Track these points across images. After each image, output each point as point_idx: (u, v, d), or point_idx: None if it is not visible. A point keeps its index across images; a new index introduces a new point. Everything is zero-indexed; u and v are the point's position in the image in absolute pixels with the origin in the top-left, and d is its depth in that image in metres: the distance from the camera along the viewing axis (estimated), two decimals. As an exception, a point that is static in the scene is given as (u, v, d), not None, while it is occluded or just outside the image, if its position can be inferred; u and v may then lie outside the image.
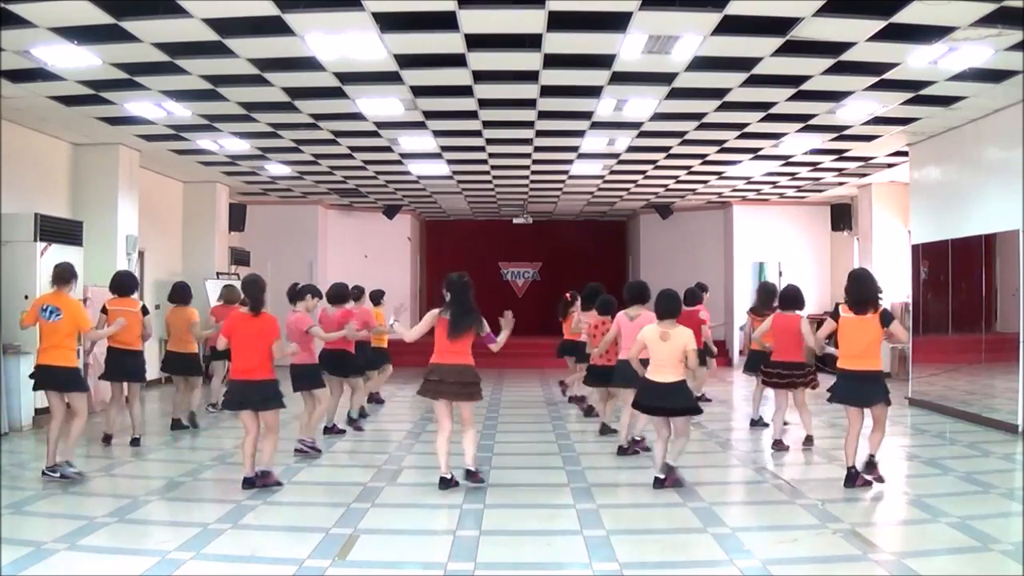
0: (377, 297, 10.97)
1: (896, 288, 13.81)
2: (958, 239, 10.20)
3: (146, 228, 12.35)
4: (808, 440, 7.97)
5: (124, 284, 8.14)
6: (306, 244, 17.24)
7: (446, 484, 6.24)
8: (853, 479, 6.30)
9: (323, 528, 5.25)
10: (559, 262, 22.00)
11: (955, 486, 6.49)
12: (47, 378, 6.64)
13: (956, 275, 10.35)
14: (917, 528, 5.46)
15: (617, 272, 21.13)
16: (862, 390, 6.32)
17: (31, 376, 6.84)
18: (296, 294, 7.95)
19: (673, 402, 6.19)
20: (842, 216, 16.20)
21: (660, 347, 6.24)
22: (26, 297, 8.88)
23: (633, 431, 7.71)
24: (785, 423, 8.10)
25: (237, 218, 15.74)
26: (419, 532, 5.38)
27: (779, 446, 7.87)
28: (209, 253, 14.68)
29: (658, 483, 6.25)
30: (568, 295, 11.62)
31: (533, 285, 23.21)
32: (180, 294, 9.25)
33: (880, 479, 6.33)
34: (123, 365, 8.01)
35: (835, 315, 6.52)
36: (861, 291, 6.40)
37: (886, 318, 6.32)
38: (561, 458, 7.56)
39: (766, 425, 8.89)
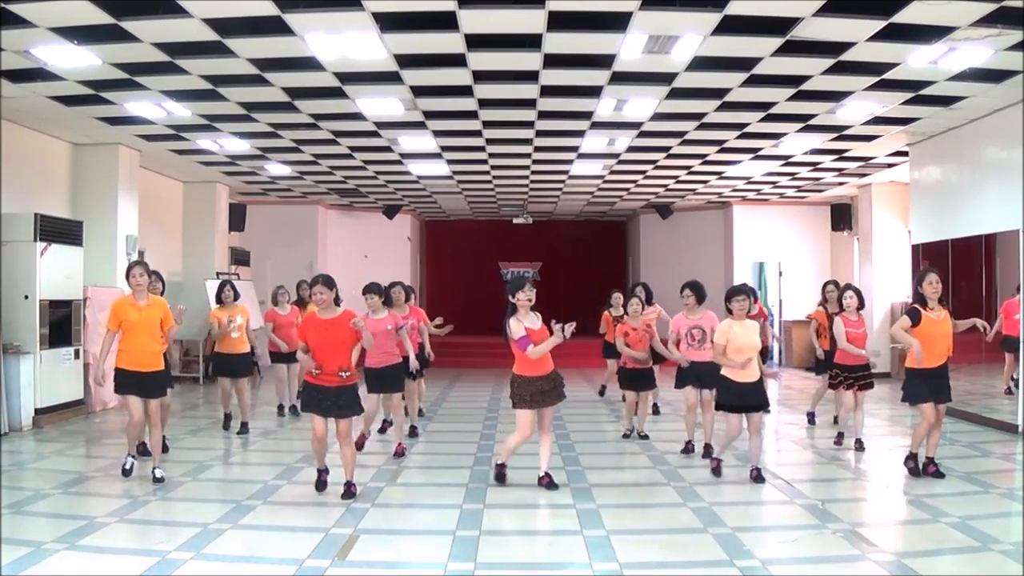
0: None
1: (896, 288, 13.84)
2: (958, 239, 10.20)
3: (146, 228, 12.35)
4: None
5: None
6: (306, 244, 17.25)
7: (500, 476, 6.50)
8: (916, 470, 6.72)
9: (323, 528, 5.26)
10: (559, 262, 22.00)
11: (955, 486, 6.48)
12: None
13: (956, 275, 10.35)
14: (917, 528, 5.46)
15: (617, 272, 21.14)
16: (945, 385, 6.67)
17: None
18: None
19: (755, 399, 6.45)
20: (842, 216, 16.21)
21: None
22: (26, 297, 8.90)
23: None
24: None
25: (237, 218, 15.75)
26: (419, 532, 5.38)
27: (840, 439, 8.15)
28: (209, 253, 14.68)
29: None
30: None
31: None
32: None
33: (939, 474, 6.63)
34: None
35: (914, 317, 6.51)
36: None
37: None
38: (561, 458, 7.55)
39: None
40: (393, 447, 7.67)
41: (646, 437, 8.44)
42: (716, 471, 6.73)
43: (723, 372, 6.45)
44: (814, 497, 6.07)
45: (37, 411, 8.95)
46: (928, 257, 11.02)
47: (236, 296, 8.84)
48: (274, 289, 10.16)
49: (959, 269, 10.27)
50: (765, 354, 9.73)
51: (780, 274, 17.07)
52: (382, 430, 8.70)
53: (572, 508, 5.81)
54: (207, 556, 4.69)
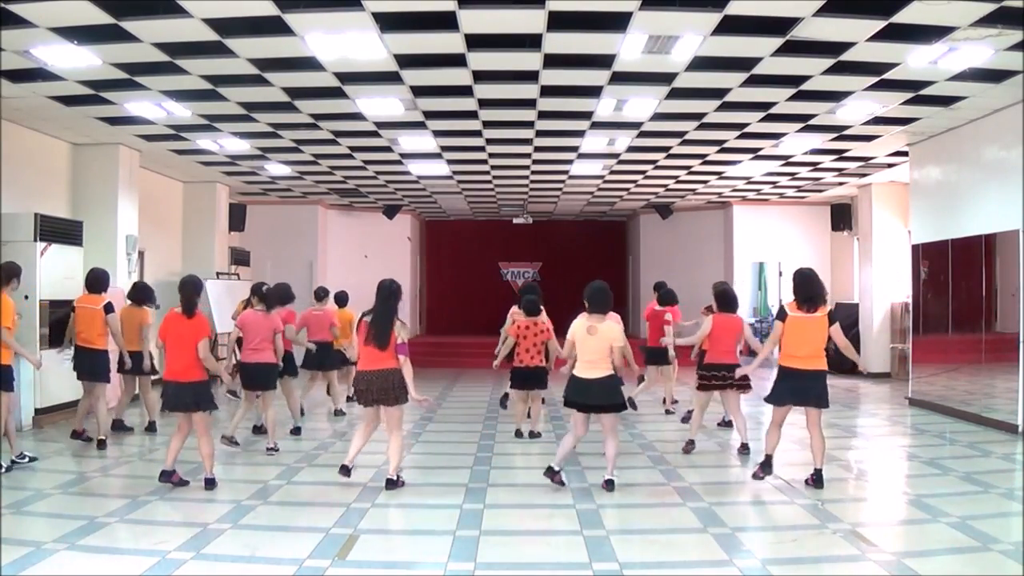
0: (342, 299, 10.84)
1: (896, 288, 13.84)
2: (958, 239, 10.20)
3: (146, 228, 12.35)
4: (744, 448, 7.75)
5: (95, 280, 8.23)
6: (306, 244, 17.25)
7: (346, 471, 6.38)
8: (769, 467, 6.49)
9: (323, 528, 5.26)
10: (559, 262, 22.01)
11: (955, 486, 6.49)
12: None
13: (956, 275, 10.35)
14: (917, 528, 5.46)
15: (617, 272, 21.15)
16: (809, 389, 6.25)
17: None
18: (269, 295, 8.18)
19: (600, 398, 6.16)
20: (842, 216, 16.20)
21: (588, 341, 6.17)
22: (26, 297, 8.89)
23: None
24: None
25: (237, 218, 15.74)
26: (419, 532, 5.39)
27: (744, 450, 7.76)
28: (209, 253, 14.67)
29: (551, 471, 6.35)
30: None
31: (526, 284, 23.20)
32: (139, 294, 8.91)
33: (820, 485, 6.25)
34: (83, 363, 8.07)
35: (781, 316, 6.39)
36: (811, 289, 6.31)
37: (832, 317, 6.31)
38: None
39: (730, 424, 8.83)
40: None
41: (538, 435, 8.49)
42: (553, 478, 6.37)
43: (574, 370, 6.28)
44: (814, 497, 6.06)
45: (37, 411, 8.95)
46: (928, 257, 11.03)
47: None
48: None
49: (959, 269, 10.27)
50: (660, 355, 9.73)
51: (780, 274, 17.06)
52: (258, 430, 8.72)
53: (572, 508, 5.81)
54: (207, 556, 4.69)
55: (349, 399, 10.20)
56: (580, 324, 6.22)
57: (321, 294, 10.31)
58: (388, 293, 6.39)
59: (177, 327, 6.35)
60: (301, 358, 9.58)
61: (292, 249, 16.91)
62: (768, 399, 6.57)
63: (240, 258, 15.80)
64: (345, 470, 6.39)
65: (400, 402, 6.31)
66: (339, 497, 6.06)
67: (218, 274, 14.43)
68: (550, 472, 6.35)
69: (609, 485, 6.20)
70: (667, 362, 9.89)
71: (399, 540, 5.21)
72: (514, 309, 9.47)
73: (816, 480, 6.28)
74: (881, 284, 14.14)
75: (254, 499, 6.00)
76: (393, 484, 6.31)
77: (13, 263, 7.34)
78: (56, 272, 9.36)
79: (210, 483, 6.30)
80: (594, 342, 6.13)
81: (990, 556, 4.73)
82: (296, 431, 8.80)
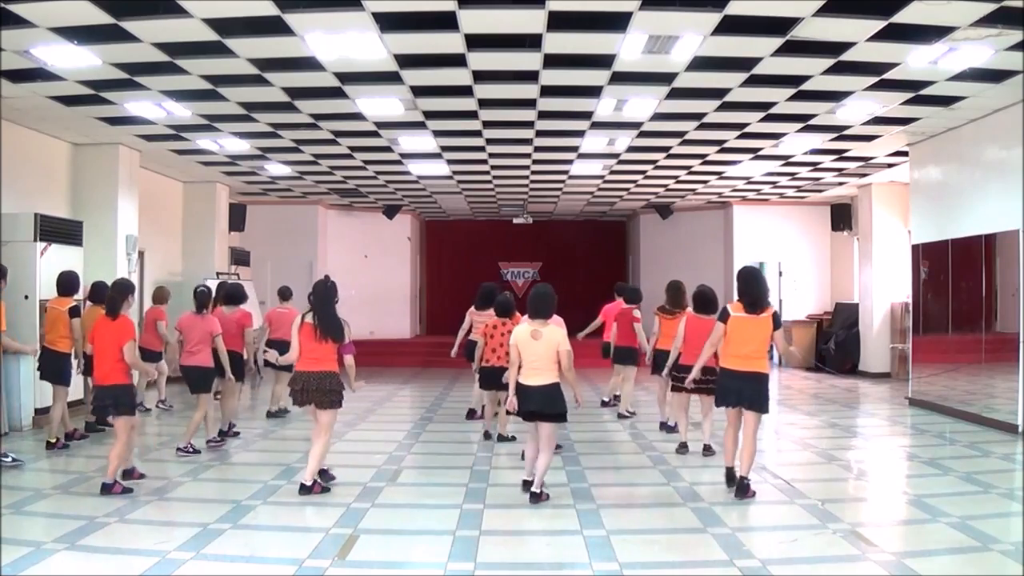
0: (284, 294, 10.61)
1: (896, 288, 13.84)
2: (958, 239, 10.20)
3: (146, 228, 12.35)
4: (707, 449, 7.62)
5: (66, 282, 8.18)
6: (306, 244, 17.26)
7: (306, 490, 6.09)
8: (734, 479, 6.17)
9: (323, 528, 5.26)
10: (559, 262, 22.00)
11: (955, 486, 6.49)
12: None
13: (956, 275, 10.35)
14: (917, 528, 5.45)
15: (617, 272, 21.13)
16: (743, 390, 6.07)
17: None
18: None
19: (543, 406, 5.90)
20: (842, 216, 16.21)
21: (532, 347, 5.95)
22: (26, 297, 8.89)
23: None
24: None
25: (237, 218, 15.75)
26: (419, 532, 5.38)
27: (708, 451, 7.61)
28: (209, 253, 14.67)
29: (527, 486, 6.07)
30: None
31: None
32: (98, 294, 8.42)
33: (751, 494, 6.06)
34: (47, 366, 8.01)
35: (723, 316, 6.26)
36: (756, 290, 6.18)
37: (777, 320, 6.14)
38: (561, 458, 7.55)
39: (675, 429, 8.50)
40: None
41: (508, 438, 8.30)
42: (539, 499, 6.03)
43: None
44: (814, 497, 6.06)
45: (37, 411, 8.94)
46: (928, 257, 11.03)
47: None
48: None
49: (959, 269, 10.27)
50: (628, 355, 9.71)
51: (780, 274, 17.06)
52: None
53: (572, 508, 5.81)
54: (207, 556, 4.69)
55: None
56: (523, 329, 6.03)
57: (286, 293, 10.37)
58: (327, 293, 6.32)
59: (102, 330, 6.27)
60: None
61: (292, 249, 16.91)
62: (715, 402, 6.49)
63: (240, 258, 15.80)
64: (305, 489, 6.15)
65: (334, 407, 6.22)
66: (339, 497, 6.06)
67: (218, 274, 14.43)
68: (532, 496, 5.94)
69: (534, 498, 5.89)
70: (633, 363, 9.85)
71: (399, 540, 5.21)
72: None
73: (740, 489, 6.04)
74: (881, 284, 14.14)
75: (254, 499, 6.00)
76: (307, 490, 6.07)
77: None
78: (56, 272, 9.33)
79: (106, 488, 6.03)
80: (539, 347, 5.91)
81: (990, 556, 4.73)
82: (219, 439, 8.15)
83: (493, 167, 13.43)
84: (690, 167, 13.35)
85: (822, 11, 6.30)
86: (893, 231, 14.13)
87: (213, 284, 10.59)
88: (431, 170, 13.73)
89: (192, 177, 14.22)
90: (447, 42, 7.13)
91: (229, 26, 6.71)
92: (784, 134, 10.74)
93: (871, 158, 12.31)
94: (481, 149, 11.86)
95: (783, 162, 12.75)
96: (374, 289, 18.82)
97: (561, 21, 6.65)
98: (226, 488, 6.43)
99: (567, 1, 6.33)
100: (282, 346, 9.90)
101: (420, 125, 10.26)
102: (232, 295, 8.76)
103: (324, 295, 6.29)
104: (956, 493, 6.21)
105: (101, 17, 6.35)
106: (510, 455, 7.70)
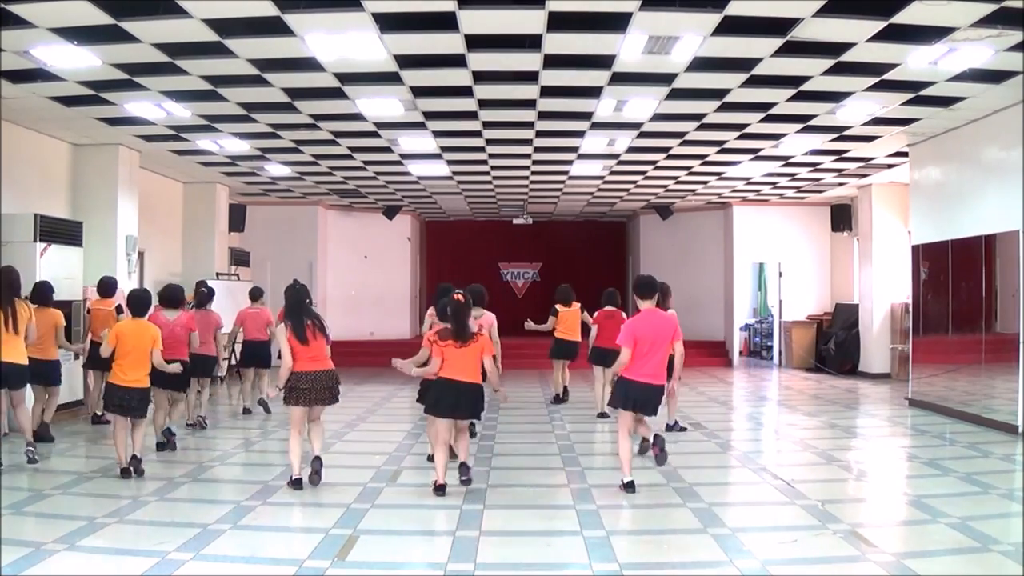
0: (255, 294, 10.63)
1: (896, 289, 13.84)
2: (958, 239, 10.20)
3: (146, 228, 12.35)
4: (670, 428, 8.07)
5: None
6: (306, 244, 17.25)
7: (298, 485, 6.23)
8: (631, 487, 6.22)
9: (323, 528, 5.26)
10: (559, 262, 21.99)
11: (955, 487, 6.49)
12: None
13: (956, 276, 10.35)
14: (917, 528, 5.45)
15: (617, 272, 21.15)
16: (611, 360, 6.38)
17: None
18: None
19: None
20: (842, 216, 16.21)
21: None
22: (26, 298, 8.87)
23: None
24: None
25: (237, 218, 15.74)
26: (419, 532, 5.39)
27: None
28: (209, 253, 14.67)
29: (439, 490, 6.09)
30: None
31: (533, 286, 23.22)
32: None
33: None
34: (36, 368, 7.76)
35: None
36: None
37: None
38: (561, 459, 7.56)
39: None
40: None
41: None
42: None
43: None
44: (814, 498, 6.06)
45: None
46: (928, 258, 11.04)
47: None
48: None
49: (959, 270, 10.27)
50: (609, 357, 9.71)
51: (780, 274, 17.08)
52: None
53: (572, 508, 5.81)
54: (207, 556, 4.68)
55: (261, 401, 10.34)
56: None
57: (256, 294, 10.47)
58: (301, 295, 6.45)
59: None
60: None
61: (292, 250, 16.91)
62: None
63: (240, 259, 15.80)
64: (298, 483, 6.24)
65: (335, 402, 6.50)
66: (339, 497, 6.06)
67: (218, 275, 14.43)
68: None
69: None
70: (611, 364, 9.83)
71: (399, 540, 5.20)
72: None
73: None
74: (881, 285, 14.14)
75: (254, 499, 6.00)
76: (320, 464, 6.33)
77: None
78: (56, 273, 9.34)
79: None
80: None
81: (990, 557, 4.73)
82: (160, 446, 7.76)
83: (493, 167, 13.43)
84: (690, 168, 13.35)
85: (822, 11, 6.30)
86: (893, 232, 14.14)
87: (214, 284, 10.66)
88: (431, 171, 13.73)
89: (192, 177, 14.22)
90: (447, 43, 7.13)
91: (229, 26, 6.71)
92: (784, 135, 10.74)
93: (871, 159, 12.32)
94: (481, 150, 11.86)
95: (783, 163, 12.75)
96: (374, 290, 18.81)
97: (561, 21, 6.65)
98: (226, 488, 6.42)
99: (567, 1, 6.33)
100: (254, 346, 10.12)
101: (420, 126, 10.26)
102: (169, 297, 8.05)
103: (302, 296, 6.46)
104: (956, 494, 6.21)
105: (101, 17, 6.35)
106: (525, 455, 7.70)
